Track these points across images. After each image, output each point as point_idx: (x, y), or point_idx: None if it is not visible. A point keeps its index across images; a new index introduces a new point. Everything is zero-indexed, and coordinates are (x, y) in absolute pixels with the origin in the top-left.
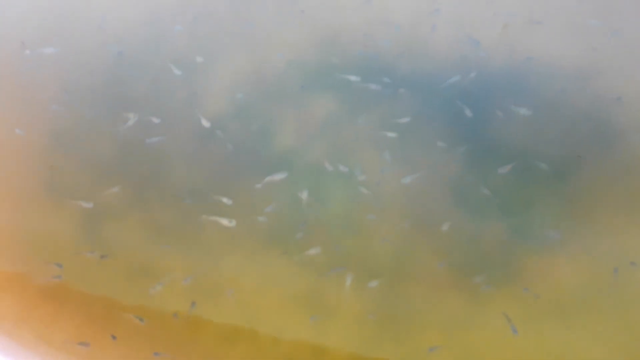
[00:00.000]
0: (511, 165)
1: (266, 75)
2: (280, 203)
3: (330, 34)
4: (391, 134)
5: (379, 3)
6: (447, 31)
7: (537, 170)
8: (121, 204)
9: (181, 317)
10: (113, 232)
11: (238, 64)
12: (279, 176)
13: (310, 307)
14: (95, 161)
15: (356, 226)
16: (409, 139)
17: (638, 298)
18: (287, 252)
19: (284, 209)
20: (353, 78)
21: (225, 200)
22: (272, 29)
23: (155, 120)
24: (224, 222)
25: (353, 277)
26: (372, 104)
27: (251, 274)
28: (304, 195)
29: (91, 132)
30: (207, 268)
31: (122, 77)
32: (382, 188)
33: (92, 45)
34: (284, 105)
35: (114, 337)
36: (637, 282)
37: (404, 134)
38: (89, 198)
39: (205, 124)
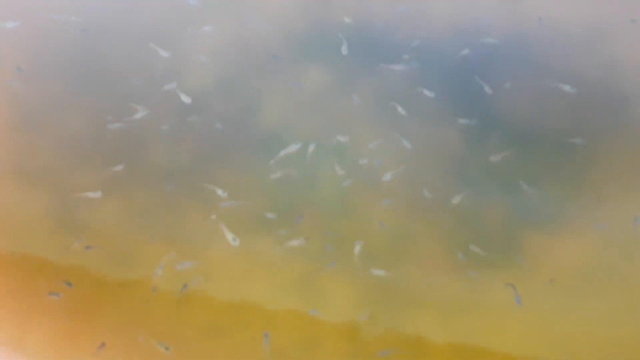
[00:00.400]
0: (515, 139)
1: (252, 45)
2: (277, 182)
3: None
4: (393, 107)
5: None
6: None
7: (545, 143)
8: (98, 186)
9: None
10: (92, 218)
11: (220, 34)
12: (286, 151)
13: (303, 293)
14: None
15: (354, 206)
16: (411, 112)
17: None
18: (282, 235)
19: (280, 189)
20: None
21: (218, 190)
22: None
23: (130, 97)
24: (228, 237)
25: (351, 259)
26: (368, 77)
27: (243, 259)
28: (299, 174)
29: (60, 110)
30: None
31: (90, 52)
32: (382, 165)
33: (56, 19)
34: (272, 78)
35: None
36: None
37: (406, 107)
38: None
39: (186, 99)
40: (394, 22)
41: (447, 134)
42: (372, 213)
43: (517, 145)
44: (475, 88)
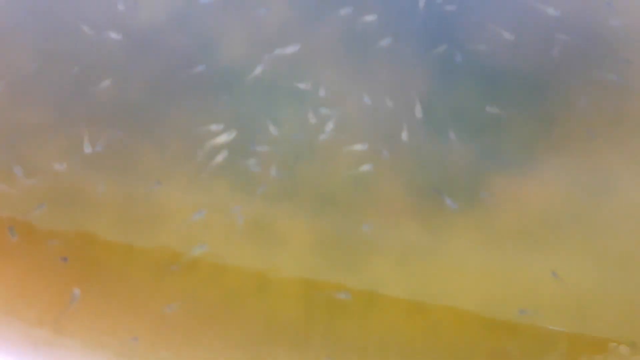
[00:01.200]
0: (481, 86)
1: None
2: (230, 129)
3: None
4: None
5: None
6: None
7: (509, 90)
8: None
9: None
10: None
11: None
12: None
13: (258, 237)
14: None
15: (314, 150)
16: (374, 57)
17: (609, 224)
18: (240, 182)
19: (237, 137)
20: None
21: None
22: None
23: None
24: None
25: (308, 204)
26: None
27: (196, 203)
28: (260, 119)
29: None
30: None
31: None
32: (345, 108)
33: None
34: (231, 17)
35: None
36: (610, 208)
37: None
38: None
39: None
40: None
41: (412, 76)
42: (332, 158)
43: (484, 88)
44: (443, 31)
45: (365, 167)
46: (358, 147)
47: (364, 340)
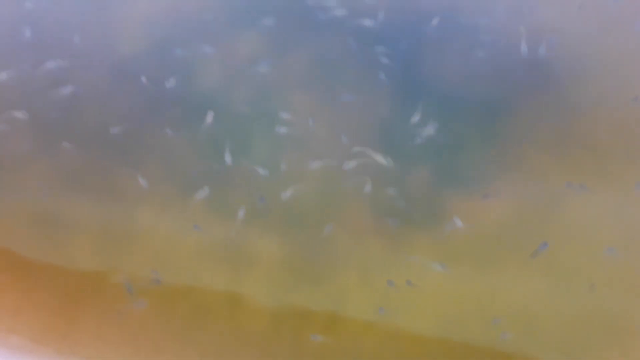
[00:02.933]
0: (438, 104)
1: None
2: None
3: None
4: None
5: None
6: None
7: (466, 111)
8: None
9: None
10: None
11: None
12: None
13: (226, 257)
14: None
15: (276, 171)
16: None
17: (563, 240)
18: (207, 203)
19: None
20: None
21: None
22: None
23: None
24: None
25: (272, 224)
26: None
27: (166, 225)
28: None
29: None
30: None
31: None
32: (301, 129)
33: None
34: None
35: None
36: (563, 224)
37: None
38: None
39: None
40: None
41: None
42: (300, 174)
43: (442, 113)
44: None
45: (328, 187)
46: (318, 164)
47: (330, 356)
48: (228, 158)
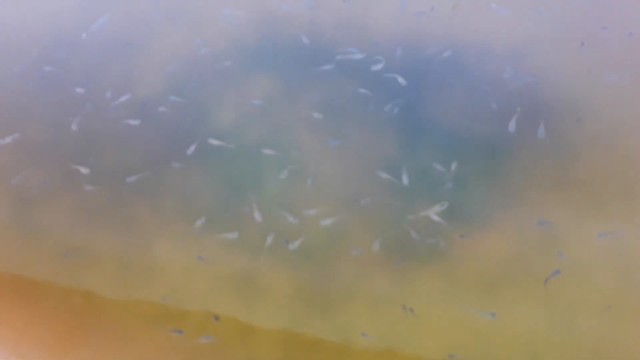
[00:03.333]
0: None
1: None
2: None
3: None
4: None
5: None
6: None
7: (464, 148)
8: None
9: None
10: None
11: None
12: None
13: (240, 287)
14: None
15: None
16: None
17: (563, 277)
18: (219, 234)
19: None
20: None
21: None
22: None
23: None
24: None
25: (283, 256)
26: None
27: (183, 256)
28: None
29: None
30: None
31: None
32: (315, 168)
33: None
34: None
35: None
36: (562, 263)
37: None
38: None
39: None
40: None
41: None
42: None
43: (444, 147)
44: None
45: (336, 221)
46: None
47: None
48: (257, 215)
